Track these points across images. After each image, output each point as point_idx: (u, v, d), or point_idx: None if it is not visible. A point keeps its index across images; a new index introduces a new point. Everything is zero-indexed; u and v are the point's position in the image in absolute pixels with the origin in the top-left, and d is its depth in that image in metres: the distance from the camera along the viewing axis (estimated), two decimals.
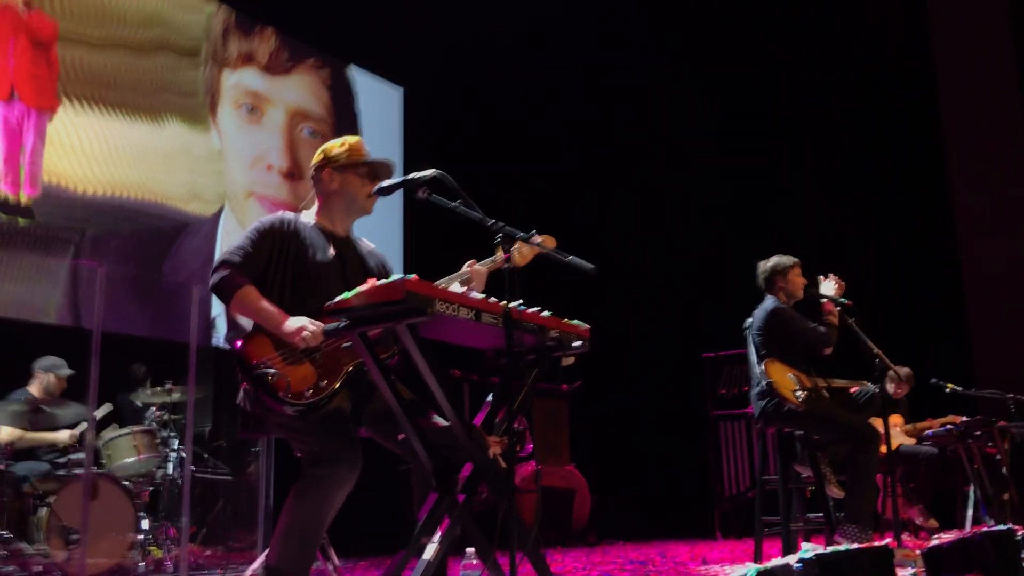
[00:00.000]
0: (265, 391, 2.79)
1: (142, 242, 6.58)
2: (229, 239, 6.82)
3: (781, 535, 4.63)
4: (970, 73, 10.24)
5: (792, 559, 2.11)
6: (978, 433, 6.25)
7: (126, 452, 5.42)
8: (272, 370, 2.79)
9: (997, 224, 9.85)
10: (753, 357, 4.85)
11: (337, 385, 2.86)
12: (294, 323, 2.84)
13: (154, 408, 5.80)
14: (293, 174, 7.38)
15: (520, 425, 6.04)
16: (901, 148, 10.33)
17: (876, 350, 4.73)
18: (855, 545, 2.35)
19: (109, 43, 6.55)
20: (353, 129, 8.11)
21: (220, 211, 7.09)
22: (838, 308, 4.84)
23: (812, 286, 4.98)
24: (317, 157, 3.22)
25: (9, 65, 5.94)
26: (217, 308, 6.68)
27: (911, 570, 3.58)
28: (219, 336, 6.77)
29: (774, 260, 5.03)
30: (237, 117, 7.27)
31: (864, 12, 10.72)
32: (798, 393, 4.58)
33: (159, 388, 5.72)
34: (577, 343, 2.93)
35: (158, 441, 5.56)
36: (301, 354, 2.86)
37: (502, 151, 9.09)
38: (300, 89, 7.64)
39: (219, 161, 7.14)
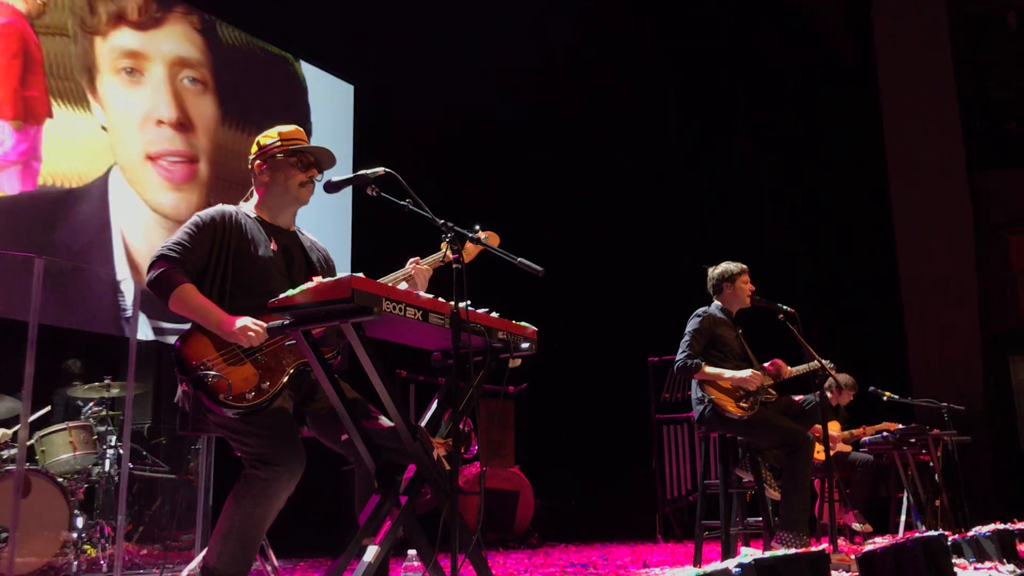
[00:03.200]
0: (205, 393, 2.72)
1: (25, 214, 6.12)
2: (122, 205, 6.65)
3: (721, 539, 4.68)
4: (911, 93, 10.49)
5: (731, 563, 2.13)
6: (913, 441, 6.40)
7: (61, 448, 5.27)
8: (212, 372, 2.73)
9: (935, 241, 10.10)
10: None
11: (279, 387, 2.81)
12: (236, 323, 2.78)
13: (92, 403, 5.66)
14: (184, 124, 7.15)
15: (465, 426, 6.04)
16: (844, 164, 10.55)
17: (818, 357, 4.82)
18: (792, 551, 2.39)
19: None
20: (303, 122, 8.03)
21: (107, 173, 6.66)
22: (780, 316, 4.92)
23: (759, 294, 5.06)
24: (252, 149, 3.17)
25: None
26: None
27: (846, 574, 3.65)
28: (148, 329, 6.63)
29: (723, 266, 5.10)
30: (119, 82, 6.86)
31: (812, 27, 10.93)
32: (742, 403, 4.64)
33: (97, 383, 5.58)
34: (524, 345, 2.93)
35: (95, 437, 5.42)
36: (242, 354, 2.80)
37: (452, 150, 9.08)
38: (174, 39, 7.30)
39: (101, 139, 6.66)
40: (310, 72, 8.38)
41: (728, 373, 4.71)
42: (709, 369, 4.72)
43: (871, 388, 6.70)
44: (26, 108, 6.17)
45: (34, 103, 6.24)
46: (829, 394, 7.02)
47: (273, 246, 3.05)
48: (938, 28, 10.64)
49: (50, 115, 6.28)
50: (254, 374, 2.79)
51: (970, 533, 4.22)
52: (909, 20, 10.62)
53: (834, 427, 7.08)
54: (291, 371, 2.85)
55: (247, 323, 2.77)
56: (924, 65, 10.52)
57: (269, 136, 3.14)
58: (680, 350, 4.79)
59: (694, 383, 4.81)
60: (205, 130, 7.31)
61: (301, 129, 3.19)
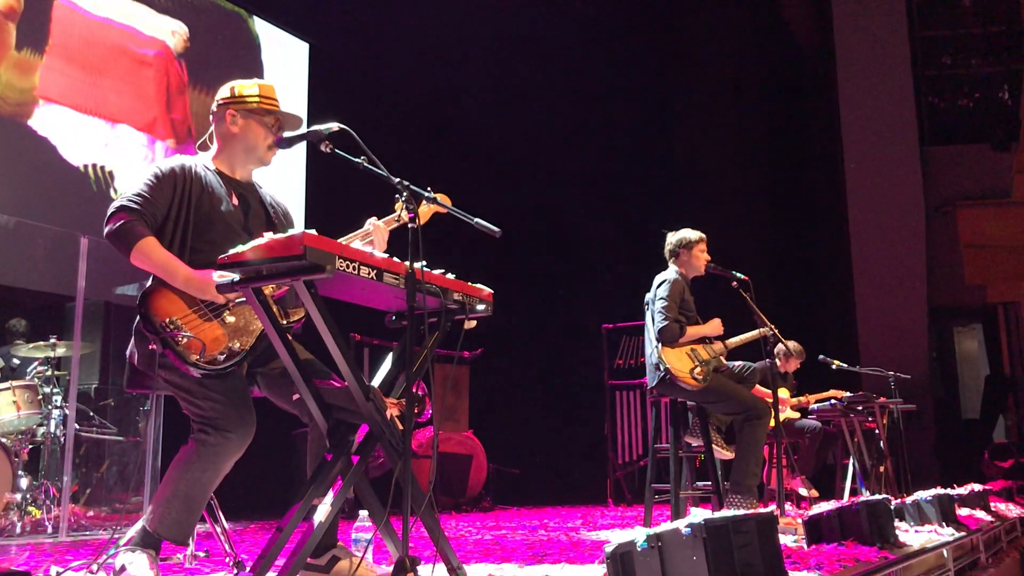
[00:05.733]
0: (175, 354, 2.64)
1: None
2: None
3: (671, 502, 4.74)
4: (867, 67, 10.58)
5: (681, 523, 2.15)
6: (860, 408, 6.51)
7: (4, 408, 5.15)
8: (184, 331, 2.65)
9: (886, 213, 10.25)
10: (650, 331, 4.94)
11: (250, 347, 2.75)
12: (206, 277, 2.69)
13: (36, 363, 5.55)
14: None
15: (419, 390, 6.03)
16: (799, 136, 10.64)
17: (769, 324, 4.88)
18: (742, 511, 2.42)
19: None
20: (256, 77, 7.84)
21: None
22: (734, 284, 4.97)
23: (715, 262, 5.11)
24: (223, 93, 3.03)
25: None
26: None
27: (793, 537, 3.72)
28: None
29: (682, 233, 5.14)
30: None
31: (775, 6, 10.96)
32: (696, 372, 4.69)
33: (42, 342, 5.46)
34: (480, 307, 2.90)
35: (40, 397, 5.32)
36: (209, 313, 2.72)
37: (407, 111, 8.98)
38: None
39: None
40: (264, 29, 8.20)
41: (704, 329, 4.85)
42: (691, 329, 4.83)
43: (820, 356, 6.80)
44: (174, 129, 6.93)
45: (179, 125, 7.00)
46: (778, 361, 7.13)
47: (233, 200, 2.97)
48: (895, 3, 10.72)
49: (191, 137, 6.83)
50: (223, 334, 2.72)
51: (912, 498, 4.33)
52: (869, 16, 10.69)
53: (783, 394, 7.19)
54: (261, 330, 2.77)
55: (215, 278, 2.68)
56: (881, 40, 10.61)
57: (248, 86, 3.01)
58: (659, 316, 4.81)
59: (651, 349, 4.85)
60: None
61: (275, 88, 3.09)
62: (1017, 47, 11.03)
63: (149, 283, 2.79)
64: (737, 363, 5.06)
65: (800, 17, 11.40)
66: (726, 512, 2.28)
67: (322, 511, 2.47)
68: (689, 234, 5.13)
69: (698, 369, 4.72)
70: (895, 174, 10.31)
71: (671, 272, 5.05)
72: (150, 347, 2.72)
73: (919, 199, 10.31)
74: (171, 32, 7.23)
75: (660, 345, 4.77)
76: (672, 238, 5.17)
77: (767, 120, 10.63)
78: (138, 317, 2.72)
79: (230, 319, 2.75)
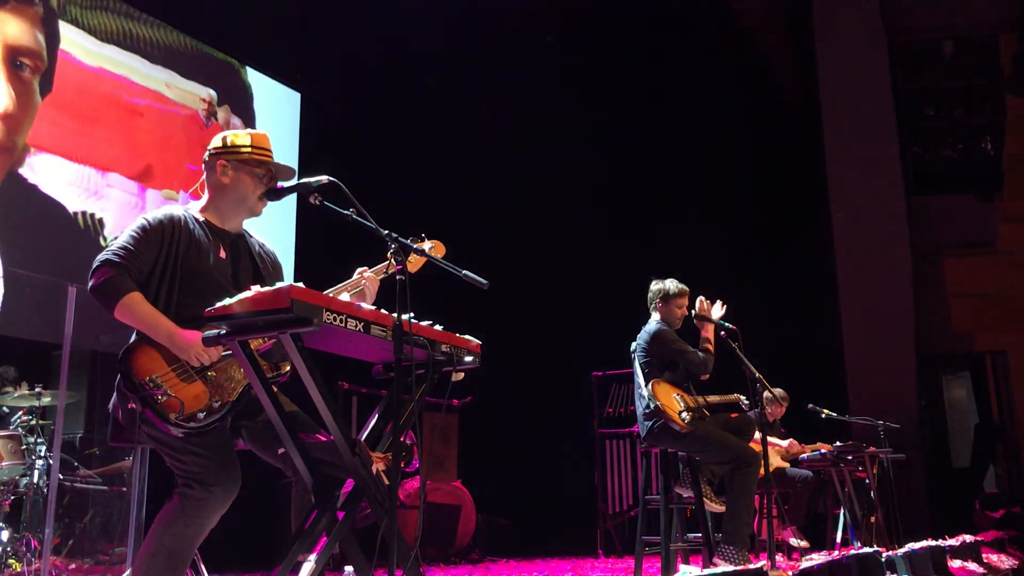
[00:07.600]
0: (154, 412, 2.61)
1: None
2: None
3: (661, 554, 4.69)
4: (852, 119, 10.70)
5: None
6: (850, 458, 6.49)
7: None
8: (163, 390, 2.62)
9: (873, 262, 10.30)
10: (639, 378, 4.94)
11: (230, 404, 2.72)
12: (189, 337, 2.67)
13: (21, 412, 5.49)
14: (10, 116, 6.14)
15: (407, 440, 5.98)
16: (786, 186, 10.71)
17: (756, 374, 4.88)
18: (731, 567, 2.39)
19: None
20: (248, 127, 7.89)
21: None
22: (722, 333, 4.98)
23: (693, 308, 5.12)
24: (215, 143, 3.01)
25: None
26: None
27: None
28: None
29: (665, 284, 5.14)
30: None
31: (756, 52, 11.12)
32: (683, 415, 4.68)
33: (28, 391, 5.40)
34: (468, 358, 2.89)
35: (24, 447, 5.25)
36: (192, 371, 2.69)
37: (397, 161, 9.04)
38: (9, 22, 6.20)
39: None
40: (256, 79, 8.27)
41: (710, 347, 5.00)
42: (704, 354, 4.96)
43: (810, 406, 6.80)
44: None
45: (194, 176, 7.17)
46: (767, 409, 7.13)
47: (221, 253, 2.94)
48: (878, 55, 10.88)
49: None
50: (204, 392, 2.68)
51: (903, 549, 4.30)
52: (851, 47, 10.85)
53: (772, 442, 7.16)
54: (243, 388, 2.75)
55: (198, 338, 2.65)
56: (865, 91, 10.74)
57: (240, 137, 2.99)
58: (687, 359, 4.90)
59: (642, 398, 4.84)
60: (29, 120, 6.31)
61: (268, 138, 3.07)
62: (998, 98, 11.20)
63: (132, 339, 2.77)
64: (734, 414, 5.06)
65: (785, 68, 11.56)
66: (716, 568, 2.26)
67: (307, 568, 2.44)
68: (669, 287, 5.13)
69: (686, 413, 4.71)
70: (882, 224, 10.37)
71: (653, 323, 5.07)
72: (129, 405, 2.69)
73: (906, 248, 10.37)
74: (165, 83, 7.31)
75: (652, 382, 4.79)
76: (654, 287, 5.18)
77: (753, 169, 10.72)
78: (119, 374, 2.70)
79: (212, 375, 2.72)
